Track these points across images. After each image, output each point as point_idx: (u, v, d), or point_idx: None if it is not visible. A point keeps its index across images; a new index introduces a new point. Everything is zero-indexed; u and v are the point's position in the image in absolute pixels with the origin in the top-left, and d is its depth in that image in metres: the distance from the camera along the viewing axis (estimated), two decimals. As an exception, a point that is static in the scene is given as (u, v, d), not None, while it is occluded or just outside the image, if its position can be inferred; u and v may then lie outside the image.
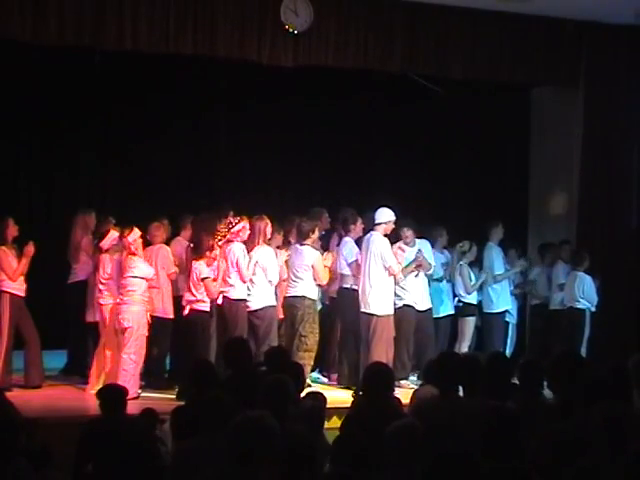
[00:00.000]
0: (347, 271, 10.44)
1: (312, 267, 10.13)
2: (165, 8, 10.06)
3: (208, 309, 9.54)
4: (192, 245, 9.68)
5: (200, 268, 9.46)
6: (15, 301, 9.73)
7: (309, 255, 10.18)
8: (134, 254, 9.48)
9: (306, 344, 10.05)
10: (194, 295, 9.49)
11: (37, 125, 12.24)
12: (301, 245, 10.25)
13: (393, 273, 10.12)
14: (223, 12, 10.29)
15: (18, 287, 9.76)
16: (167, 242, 10.64)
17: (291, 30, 10.49)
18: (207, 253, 9.55)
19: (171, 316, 10.01)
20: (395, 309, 10.34)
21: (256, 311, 9.89)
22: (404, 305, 10.55)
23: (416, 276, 10.66)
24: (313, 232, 10.26)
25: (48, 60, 11.11)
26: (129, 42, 9.95)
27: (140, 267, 9.46)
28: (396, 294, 10.41)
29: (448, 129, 13.33)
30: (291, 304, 10.19)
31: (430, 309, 10.94)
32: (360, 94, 12.80)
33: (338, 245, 10.76)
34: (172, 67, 11.52)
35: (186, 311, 9.56)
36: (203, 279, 9.43)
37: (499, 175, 13.37)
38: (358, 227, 10.51)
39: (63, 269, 10.64)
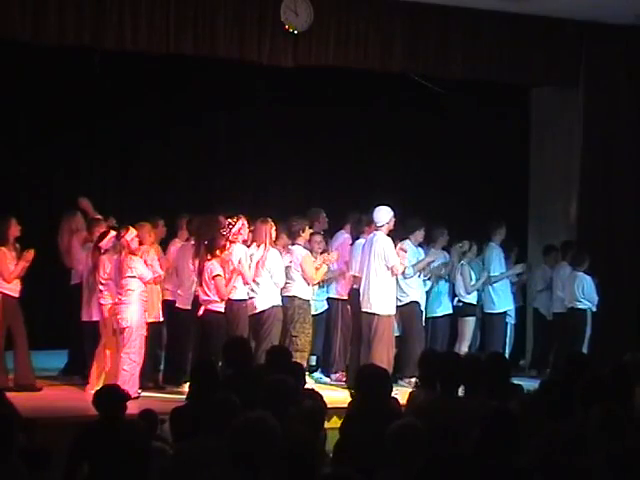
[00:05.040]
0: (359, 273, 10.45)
1: (300, 266, 10.13)
2: (165, 8, 10.05)
3: (223, 309, 9.51)
4: (205, 244, 9.63)
5: (212, 267, 9.45)
6: (8, 301, 9.68)
7: (298, 255, 10.17)
8: (134, 254, 9.47)
9: (297, 344, 9.99)
10: (208, 295, 9.47)
11: (37, 125, 12.23)
12: (292, 245, 10.24)
13: (396, 273, 10.10)
14: (223, 12, 10.28)
15: (12, 287, 9.69)
16: (165, 243, 10.64)
17: (291, 30, 10.48)
18: (218, 252, 9.53)
19: (153, 320, 9.92)
20: (403, 305, 10.42)
21: (262, 312, 9.87)
22: (411, 302, 10.56)
23: (419, 276, 10.68)
24: (303, 231, 10.24)
25: (48, 60, 11.11)
26: (129, 42, 9.94)
27: (138, 267, 9.45)
28: (402, 291, 10.44)
29: (448, 129, 13.32)
30: (284, 304, 10.15)
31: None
32: (360, 94, 12.78)
33: (351, 245, 10.77)
34: (172, 67, 11.51)
35: (201, 311, 9.53)
36: (214, 276, 9.41)
37: (499, 175, 13.35)
38: (373, 229, 10.47)
39: (63, 270, 10.62)
